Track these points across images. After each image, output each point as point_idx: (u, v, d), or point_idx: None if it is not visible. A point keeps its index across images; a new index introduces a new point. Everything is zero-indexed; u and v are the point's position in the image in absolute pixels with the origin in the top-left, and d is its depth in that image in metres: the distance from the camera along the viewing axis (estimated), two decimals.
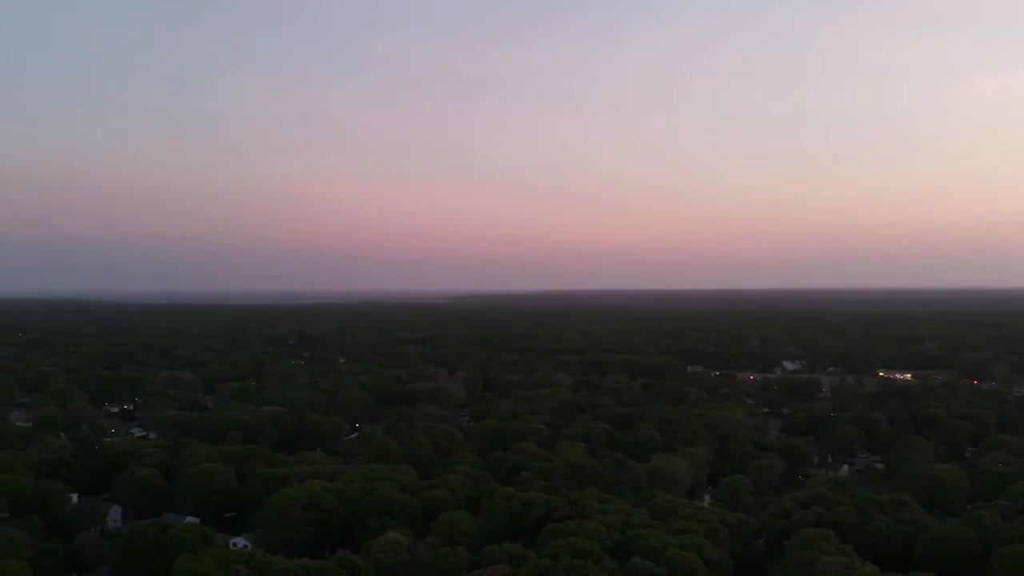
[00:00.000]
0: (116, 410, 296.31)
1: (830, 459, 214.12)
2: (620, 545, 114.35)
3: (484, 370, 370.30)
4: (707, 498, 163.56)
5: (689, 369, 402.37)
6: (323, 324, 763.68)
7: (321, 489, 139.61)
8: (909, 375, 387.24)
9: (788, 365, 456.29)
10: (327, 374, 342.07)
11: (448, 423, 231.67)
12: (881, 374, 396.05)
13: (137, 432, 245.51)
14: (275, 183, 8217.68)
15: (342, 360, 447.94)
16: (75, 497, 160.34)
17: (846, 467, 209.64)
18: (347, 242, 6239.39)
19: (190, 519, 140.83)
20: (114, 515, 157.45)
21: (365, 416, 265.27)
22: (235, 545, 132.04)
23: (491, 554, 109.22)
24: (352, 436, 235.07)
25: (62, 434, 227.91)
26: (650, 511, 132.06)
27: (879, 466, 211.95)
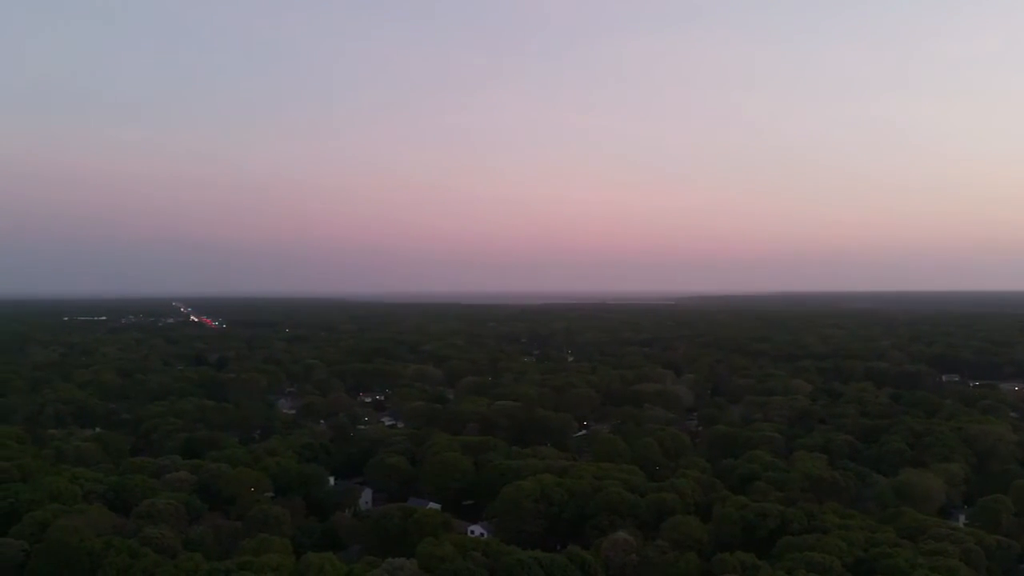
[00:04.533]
0: (369, 400, 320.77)
1: None
2: (862, 563, 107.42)
3: (713, 374, 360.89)
4: (962, 519, 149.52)
5: (944, 378, 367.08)
6: (552, 324, 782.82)
7: (552, 483, 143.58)
8: None
9: None
10: (556, 372, 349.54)
11: (675, 426, 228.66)
12: None
13: (387, 421, 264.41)
14: (505, 187, 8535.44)
15: (570, 358, 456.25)
16: (332, 480, 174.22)
17: None
18: (570, 243, 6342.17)
19: (432, 505, 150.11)
20: (365, 497, 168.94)
21: (592, 414, 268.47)
22: (473, 532, 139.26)
23: (723, 562, 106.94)
24: (580, 433, 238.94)
25: (322, 421, 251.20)
26: (897, 529, 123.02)
27: None
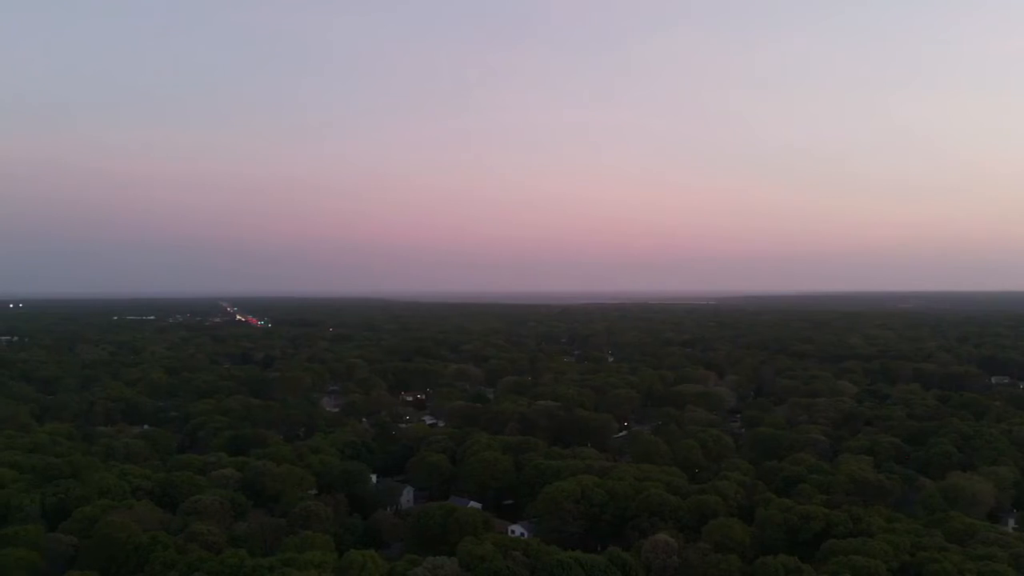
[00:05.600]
0: (410, 398, 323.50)
1: None
2: (908, 567, 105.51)
3: (756, 375, 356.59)
4: (1011, 523, 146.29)
5: (993, 380, 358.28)
6: (593, 324, 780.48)
7: (592, 484, 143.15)
8: None
9: None
10: (596, 372, 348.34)
11: (718, 428, 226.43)
12: None
13: (428, 419, 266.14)
14: (534, 188, 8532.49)
15: (611, 359, 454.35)
16: (374, 477, 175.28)
17: None
18: (605, 243, 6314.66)
19: (473, 504, 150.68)
20: (407, 495, 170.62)
21: (633, 415, 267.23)
22: (513, 532, 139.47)
23: (765, 566, 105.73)
24: (620, 434, 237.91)
25: (364, 419, 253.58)
26: (944, 533, 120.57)
27: None
